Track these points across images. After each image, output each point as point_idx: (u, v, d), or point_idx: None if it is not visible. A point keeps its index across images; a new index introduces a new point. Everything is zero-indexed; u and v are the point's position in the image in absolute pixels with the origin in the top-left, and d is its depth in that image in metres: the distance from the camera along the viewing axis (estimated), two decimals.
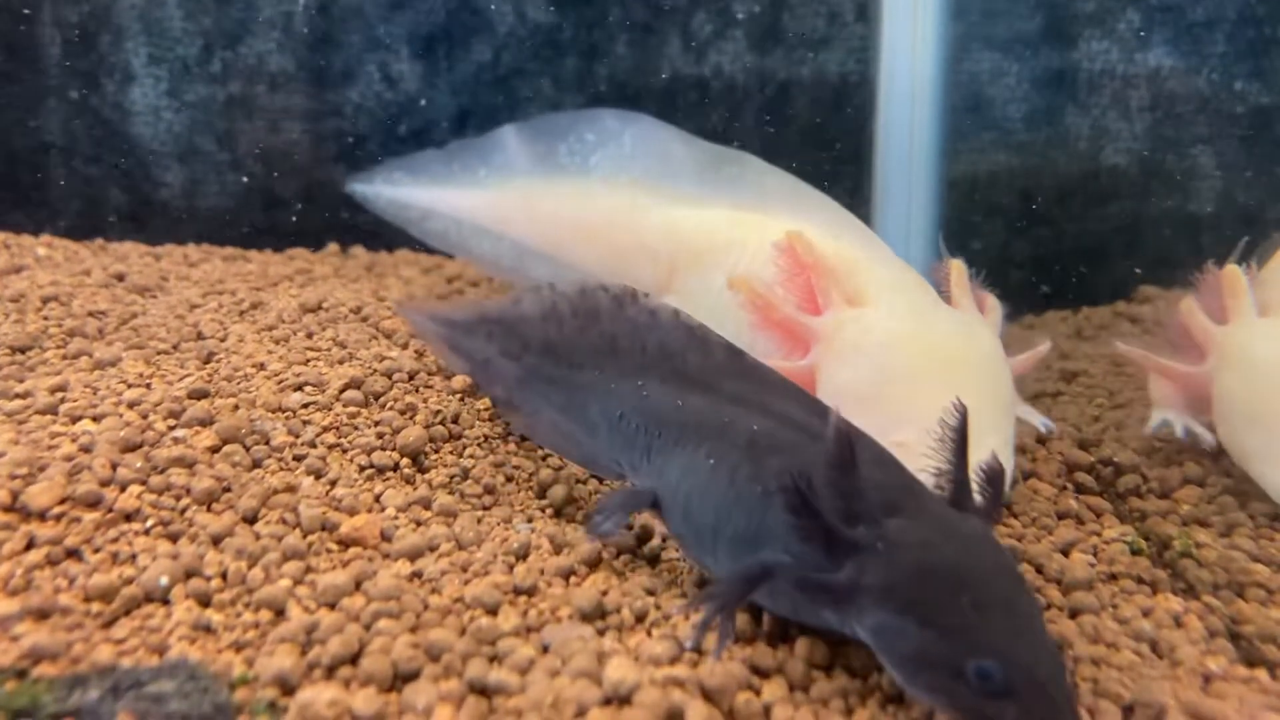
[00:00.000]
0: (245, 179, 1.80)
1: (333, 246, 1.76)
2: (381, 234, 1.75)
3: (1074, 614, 0.79)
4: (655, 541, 0.85)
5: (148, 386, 0.95)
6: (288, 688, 0.64)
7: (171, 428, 0.87)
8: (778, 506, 0.64)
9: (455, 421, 0.97)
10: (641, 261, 1.26)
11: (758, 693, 0.64)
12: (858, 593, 0.62)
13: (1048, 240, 1.83)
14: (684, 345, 0.83)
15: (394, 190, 1.53)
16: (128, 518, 0.77)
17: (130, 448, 0.83)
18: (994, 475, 0.68)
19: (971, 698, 0.57)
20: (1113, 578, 0.86)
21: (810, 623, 0.68)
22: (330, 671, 0.66)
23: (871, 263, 1.06)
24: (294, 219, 1.80)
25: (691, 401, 0.80)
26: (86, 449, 0.82)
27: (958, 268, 1.04)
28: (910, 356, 0.91)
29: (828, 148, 1.80)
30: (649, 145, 1.37)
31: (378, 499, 0.85)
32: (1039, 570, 0.84)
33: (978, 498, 0.68)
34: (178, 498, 0.80)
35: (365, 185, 1.56)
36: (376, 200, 1.55)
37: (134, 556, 0.74)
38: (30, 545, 0.73)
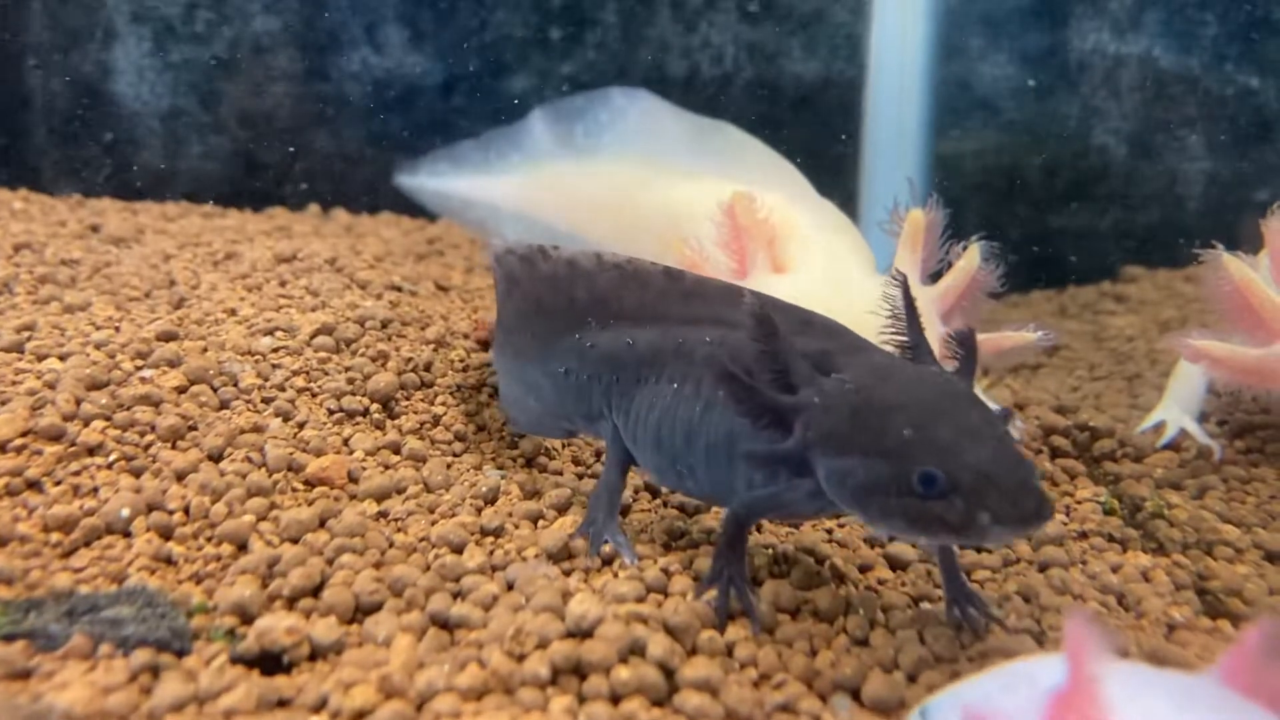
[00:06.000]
0: (228, 141, 1.78)
1: (314, 207, 1.74)
2: (364, 198, 1.73)
3: (1043, 568, 0.80)
4: (626, 493, 0.84)
5: (116, 329, 0.94)
6: (247, 616, 0.64)
7: (139, 368, 0.86)
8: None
9: (427, 370, 0.96)
10: (643, 239, 1.24)
11: (721, 631, 0.64)
12: (809, 452, 0.62)
13: (1034, 219, 1.83)
14: (618, 286, 0.80)
15: (437, 181, 1.50)
16: (90, 452, 0.76)
17: (96, 385, 0.82)
18: (965, 339, 0.68)
19: (922, 506, 0.57)
20: (1084, 535, 0.86)
21: (805, 518, 0.69)
22: (291, 602, 0.65)
23: (810, 229, 1.03)
24: (276, 183, 1.78)
25: (642, 337, 0.78)
26: (51, 385, 0.81)
27: (913, 220, 0.97)
28: None
29: (817, 123, 1.79)
30: (648, 121, 1.36)
31: (346, 442, 0.85)
32: None
33: (952, 363, 0.68)
34: (142, 434, 0.79)
35: (410, 178, 1.53)
36: (422, 192, 1.52)
37: (96, 489, 0.73)
38: None
